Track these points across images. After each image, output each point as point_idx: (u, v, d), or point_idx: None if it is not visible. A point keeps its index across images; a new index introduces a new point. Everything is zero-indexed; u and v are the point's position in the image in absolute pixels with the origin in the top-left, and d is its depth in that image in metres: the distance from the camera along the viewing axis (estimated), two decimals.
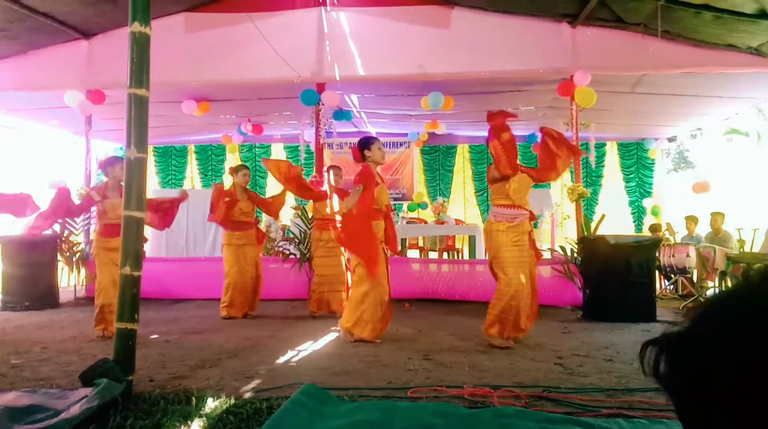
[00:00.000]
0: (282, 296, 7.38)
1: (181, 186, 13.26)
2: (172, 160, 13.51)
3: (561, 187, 11.21)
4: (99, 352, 4.25)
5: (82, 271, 7.90)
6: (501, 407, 2.80)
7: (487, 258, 5.27)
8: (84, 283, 7.92)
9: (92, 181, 8.51)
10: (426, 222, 11.19)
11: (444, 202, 11.00)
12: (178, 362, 3.96)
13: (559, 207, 11.45)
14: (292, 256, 7.51)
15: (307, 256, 7.20)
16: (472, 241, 9.49)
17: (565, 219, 11.18)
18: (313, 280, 6.31)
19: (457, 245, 10.61)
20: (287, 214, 9.71)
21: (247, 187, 6.37)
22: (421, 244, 10.65)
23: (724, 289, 6.35)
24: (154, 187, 11.96)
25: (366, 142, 4.85)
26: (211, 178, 13.38)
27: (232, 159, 13.40)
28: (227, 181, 13.19)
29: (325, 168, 6.77)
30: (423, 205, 12.34)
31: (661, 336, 0.66)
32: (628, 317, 5.78)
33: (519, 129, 11.93)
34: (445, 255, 10.33)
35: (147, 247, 9.21)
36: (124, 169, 3.20)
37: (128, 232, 3.17)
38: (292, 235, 7.98)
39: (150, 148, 13.11)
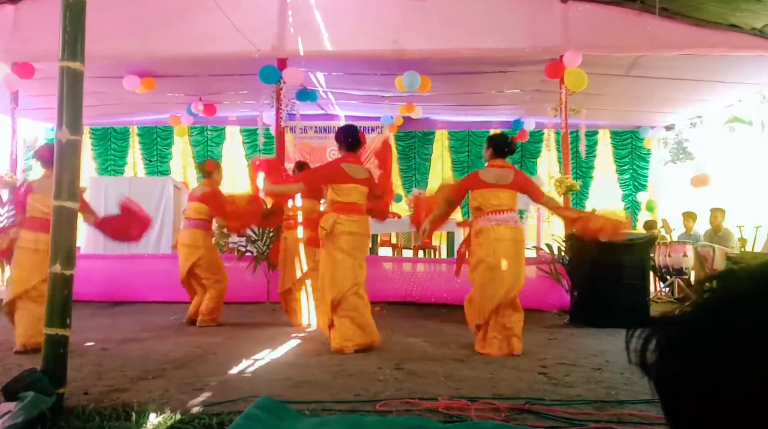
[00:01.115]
0: (236, 299, 7.34)
1: (122, 173, 13.05)
2: (111, 143, 13.28)
3: (548, 178, 11.35)
4: (26, 362, 4.17)
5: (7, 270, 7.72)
6: (479, 421, 2.84)
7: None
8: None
9: (18, 165, 8.31)
10: (400, 216, 11.19)
11: (420, 194, 11.04)
12: (116, 373, 3.91)
13: None
14: (248, 254, 7.46)
15: (266, 253, 7.16)
16: (450, 238, 9.55)
17: (552, 214, 11.33)
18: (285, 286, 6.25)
19: (435, 242, 10.68)
20: None
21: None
22: (394, 240, 10.68)
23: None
24: (90, 175, 11.72)
25: (347, 131, 5.01)
26: (156, 164, 13.20)
27: (181, 143, 13.23)
28: (174, 168, 13.11)
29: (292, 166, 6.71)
30: (397, 198, 12.37)
31: (653, 319, 0.64)
32: (620, 322, 5.80)
33: (503, 114, 12.05)
34: (420, 253, 10.39)
35: (81, 242, 9.04)
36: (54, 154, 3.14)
37: (59, 225, 3.12)
38: (249, 232, 7.91)
39: (86, 130, 12.87)
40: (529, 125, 12.14)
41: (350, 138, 4.87)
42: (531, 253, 7.81)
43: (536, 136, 12.66)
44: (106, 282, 7.48)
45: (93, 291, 7.28)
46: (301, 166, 6.46)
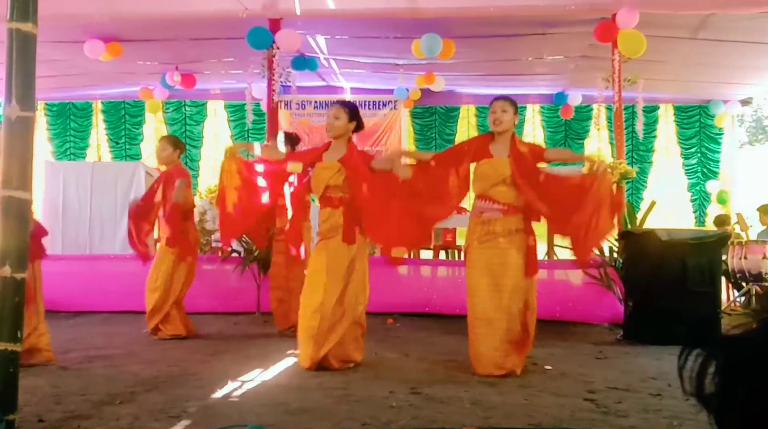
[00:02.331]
0: (220, 309, 7.37)
1: (83, 157, 13.14)
2: (70, 121, 13.37)
3: None
4: None
5: None
6: None
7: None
8: None
9: None
10: None
11: None
12: (77, 396, 3.94)
13: None
14: (234, 255, 7.49)
15: (256, 253, 7.19)
16: None
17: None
18: (273, 285, 6.30)
19: (458, 242, 10.66)
20: None
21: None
22: None
23: None
24: (45, 159, 11.81)
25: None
26: (124, 146, 13.28)
27: (154, 121, 13.29)
28: (146, 151, 13.17)
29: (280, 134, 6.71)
30: None
31: (713, 339, 0.61)
32: (684, 338, 5.85)
33: (543, 86, 12.00)
34: (441, 254, 10.38)
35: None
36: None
37: (8, 219, 3.13)
38: None
39: (40, 105, 12.98)
40: (575, 99, 12.09)
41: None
42: None
43: (583, 113, 12.60)
44: (65, 287, 7.52)
45: (49, 298, 7.31)
46: (291, 139, 6.41)
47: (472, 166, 4.85)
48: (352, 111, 4.96)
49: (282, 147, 6.24)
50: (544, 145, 12.87)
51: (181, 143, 6.54)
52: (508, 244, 4.65)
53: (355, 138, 5.06)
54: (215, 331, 6.49)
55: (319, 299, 4.67)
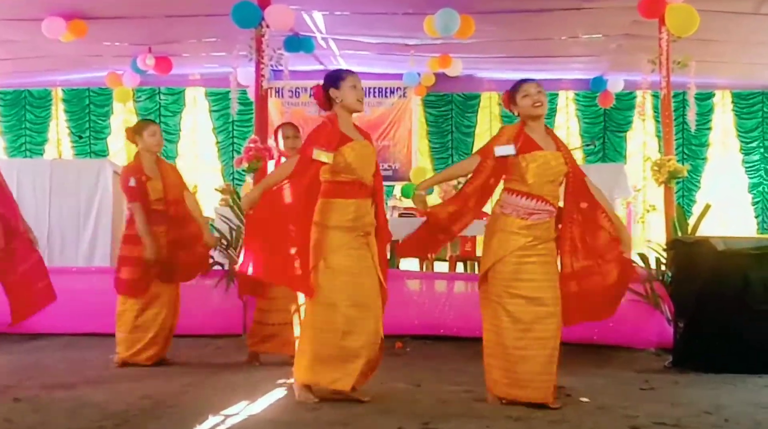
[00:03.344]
0: (200, 331, 7.36)
1: (41, 154, 13.17)
2: (26, 112, 13.43)
3: (642, 161, 11.28)
4: None
5: None
6: None
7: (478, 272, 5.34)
8: None
9: None
10: None
11: (458, 184, 11.02)
12: None
13: (640, 192, 11.54)
14: (217, 268, 7.50)
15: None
16: None
17: (648, 211, 11.28)
18: (256, 305, 6.29)
19: (479, 252, 10.63)
20: (210, 200, 9.69)
21: (159, 154, 6.29)
22: None
23: None
24: None
25: (333, 78, 4.86)
26: (89, 141, 13.32)
27: (123, 111, 13.33)
28: (114, 146, 13.21)
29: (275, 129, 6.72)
30: (427, 190, 12.37)
31: None
32: (745, 365, 5.84)
33: (577, 70, 11.98)
34: (459, 267, 10.37)
35: None
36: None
37: None
38: (217, 235, 7.96)
39: None
40: (616, 85, 12.08)
41: None
42: None
43: (625, 101, 12.60)
44: None
45: (1, 319, 7.34)
46: (284, 128, 6.39)
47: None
48: None
49: (281, 143, 6.24)
50: (579, 139, 12.90)
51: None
52: (547, 251, 4.66)
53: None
54: (194, 356, 6.48)
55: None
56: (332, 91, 4.81)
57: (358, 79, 4.85)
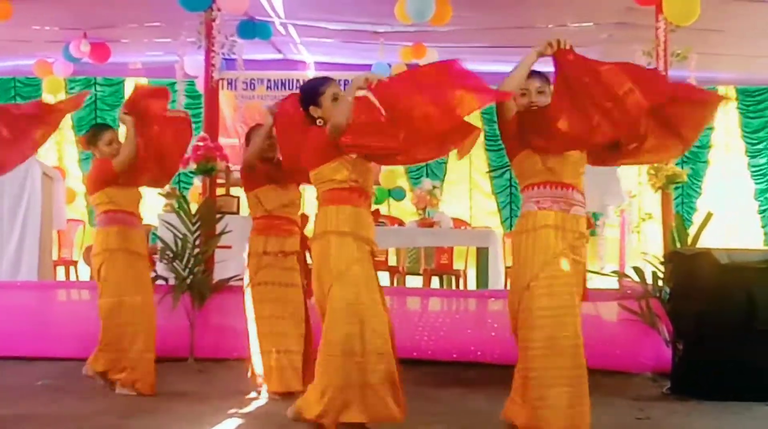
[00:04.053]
0: None
1: None
2: None
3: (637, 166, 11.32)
4: None
5: None
6: None
7: (509, 287, 5.29)
8: None
9: None
10: (403, 223, 11.19)
11: (434, 188, 11.03)
12: None
13: (635, 199, 11.60)
14: (161, 283, 7.42)
15: (189, 280, 7.14)
16: (482, 257, 9.52)
17: (644, 220, 11.36)
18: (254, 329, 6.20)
19: (456, 265, 10.65)
20: (153, 206, 9.60)
21: None
22: (393, 262, 10.64)
23: None
24: None
25: (310, 94, 4.83)
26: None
27: (53, 102, 13.20)
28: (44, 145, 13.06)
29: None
30: (397, 194, 12.39)
31: None
32: (751, 392, 5.86)
33: None
34: (435, 282, 10.37)
35: None
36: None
37: None
38: (160, 244, 7.89)
39: None
40: None
41: None
42: (610, 283, 7.77)
43: None
44: None
45: None
46: (255, 132, 6.35)
47: None
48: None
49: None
50: None
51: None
52: (583, 249, 4.57)
53: None
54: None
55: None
56: (313, 110, 4.76)
57: (337, 86, 4.83)
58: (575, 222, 4.43)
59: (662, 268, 6.95)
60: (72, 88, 13.01)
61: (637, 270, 7.24)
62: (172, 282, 7.35)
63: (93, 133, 6.23)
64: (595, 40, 10.56)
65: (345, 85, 12.43)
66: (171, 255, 7.38)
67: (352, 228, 4.54)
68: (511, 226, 12.53)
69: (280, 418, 4.91)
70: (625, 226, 11.05)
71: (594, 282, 8.84)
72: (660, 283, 6.97)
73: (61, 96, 12.79)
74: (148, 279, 6.28)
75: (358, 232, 4.57)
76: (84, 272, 11.18)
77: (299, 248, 5.93)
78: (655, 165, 7.62)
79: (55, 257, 10.00)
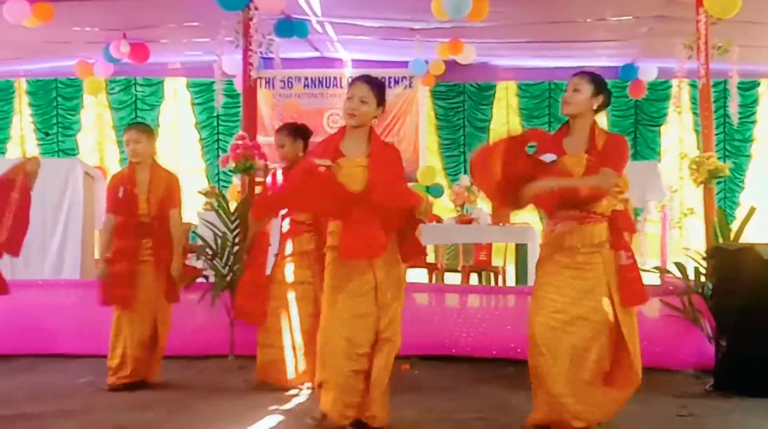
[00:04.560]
0: (181, 351, 7.34)
1: (3, 153, 13.20)
2: None
3: (679, 158, 11.25)
4: None
5: None
6: None
7: None
8: None
9: None
10: (441, 220, 11.18)
11: (472, 184, 10.99)
12: None
13: (676, 194, 11.52)
14: (202, 280, 7.48)
15: (229, 278, 7.18)
16: (521, 253, 9.49)
17: (685, 215, 11.26)
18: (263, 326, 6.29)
19: (495, 261, 10.62)
20: (193, 205, 9.67)
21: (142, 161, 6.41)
22: (431, 259, 10.63)
23: None
24: None
25: None
26: (56, 137, 13.33)
27: (95, 105, 13.33)
28: (85, 145, 13.17)
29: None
30: (435, 191, 12.38)
31: None
32: None
33: (605, 56, 11.97)
34: (473, 278, 10.35)
35: None
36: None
37: None
38: (200, 243, 7.94)
39: None
40: (648, 73, 12.07)
41: None
42: (651, 279, 7.71)
43: (659, 91, 12.59)
44: None
45: None
46: (296, 131, 6.37)
47: None
48: (381, 92, 4.93)
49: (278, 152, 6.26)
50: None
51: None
52: (588, 260, 4.65)
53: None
54: (175, 380, 6.45)
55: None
56: None
57: (358, 87, 4.86)
58: None
59: (704, 263, 6.89)
60: (112, 89, 13.13)
61: (679, 266, 7.17)
62: (212, 280, 7.42)
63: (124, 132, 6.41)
64: (635, 34, 10.49)
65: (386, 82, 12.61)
66: (210, 253, 7.43)
67: None
68: None
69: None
70: (667, 221, 10.96)
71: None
72: (702, 278, 6.91)
73: (102, 97, 12.97)
74: None
75: None
76: None
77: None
78: (697, 159, 7.56)
79: (97, 256, 10.07)
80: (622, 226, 4.73)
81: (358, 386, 4.68)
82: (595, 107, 4.76)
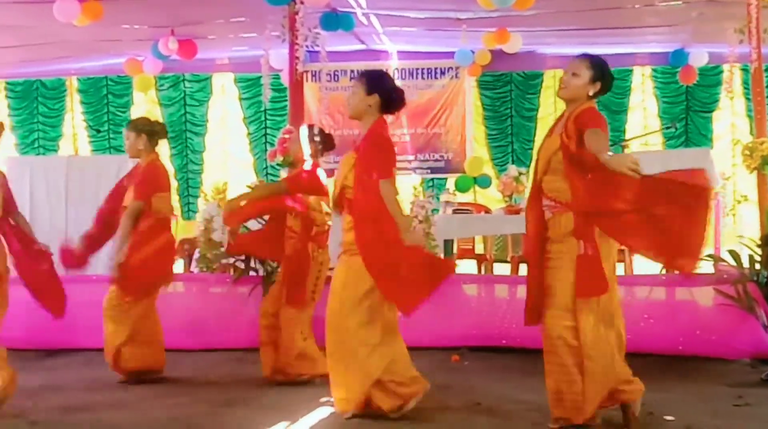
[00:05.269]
0: (229, 344, 7.40)
1: (55, 151, 13.35)
2: (38, 104, 13.60)
3: (731, 144, 11.09)
4: None
5: None
6: None
7: None
8: None
9: None
10: (489, 211, 11.15)
11: (520, 175, 10.93)
12: None
13: (729, 181, 11.36)
14: (251, 274, 7.54)
15: (275, 273, 7.23)
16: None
17: (739, 202, 11.10)
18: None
19: None
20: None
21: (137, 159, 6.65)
22: (480, 250, 10.61)
23: None
24: (7, 154, 12.06)
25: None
26: (107, 134, 13.46)
27: (145, 101, 13.45)
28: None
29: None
30: (483, 181, 12.33)
31: None
32: None
33: (654, 42, 11.83)
34: (523, 269, 10.30)
35: None
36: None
37: None
38: None
39: (0, 85, 13.25)
40: (699, 59, 11.89)
41: None
42: (705, 267, 7.62)
43: (710, 76, 12.41)
44: (37, 320, 7.63)
45: (16, 334, 7.46)
46: (324, 138, 6.46)
47: None
48: (370, 81, 5.03)
49: (307, 144, 6.29)
50: (658, 121, 12.73)
51: (152, 127, 6.62)
52: (557, 252, 4.60)
53: (390, 119, 5.14)
54: (226, 372, 6.53)
55: None
56: None
57: (354, 83, 5.13)
58: None
59: (759, 251, 6.81)
60: (161, 86, 13.24)
61: (733, 253, 7.09)
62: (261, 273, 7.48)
63: None
64: (685, 19, 10.34)
65: (427, 73, 12.60)
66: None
67: None
68: None
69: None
70: (720, 209, 10.80)
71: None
72: (757, 266, 6.82)
73: (151, 93, 13.09)
74: None
75: None
76: (178, 264, 11.40)
77: None
78: (750, 145, 7.46)
79: None
80: (594, 218, 4.52)
81: None
82: (591, 94, 4.63)
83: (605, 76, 4.67)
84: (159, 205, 6.36)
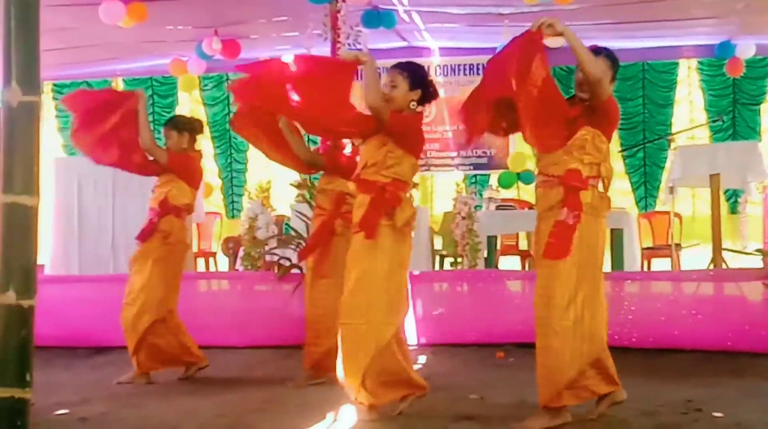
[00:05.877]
0: (275, 341, 7.42)
1: None
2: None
3: None
4: None
5: None
6: None
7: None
8: None
9: None
10: (532, 206, 11.07)
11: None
12: None
13: None
14: (295, 271, 7.56)
15: None
16: (616, 238, 9.34)
17: None
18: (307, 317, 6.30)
19: None
20: (285, 196, 9.77)
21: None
22: (524, 246, 10.55)
23: None
24: (55, 155, 12.22)
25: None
26: (154, 134, 13.57)
27: (189, 101, 13.54)
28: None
29: None
30: (526, 177, 12.26)
31: None
32: None
33: (701, 34, 11.69)
34: None
35: (44, 259, 9.37)
36: None
37: (10, 230, 3.23)
38: (293, 234, 8.03)
39: (47, 87, 13.41)
40: (746, 50, 11.72)
41: None
42: (754, 262, 7.52)
43: (758, 68, 12.22)
44: (83, 317, 7.73)
45: (63, 332, 7.55)
46: None
47: None
48: (414, 76, 5.09)
49: None
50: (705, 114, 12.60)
51: (192, 124, 6.69)
52: (545, 225, 4.80)
53: (429, 111, 5.13)
54: (272, 370, 6.56)
55: None
56: None
57: (393, 76, 5.19)
58: None
59: None
60: (206, 86, 13.33)
61: None
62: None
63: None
64: (732, 11, 10.19)
65: (469, 69, 12.56)
66: (304, 244, 7.50)
67: None
68: (646, 206, 12.28)
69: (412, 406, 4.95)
70: None
71: (737, 261, 8.60)
72: None
73: (196, 93, 13.20)
74: None
75: None
76: (223, 263, 11.49)
77: None
78: None
79: (195, 249, 10.26)
80: (575, 183, 4.72)
81: None
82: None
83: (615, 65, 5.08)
84: (175, 192, 6.49)
